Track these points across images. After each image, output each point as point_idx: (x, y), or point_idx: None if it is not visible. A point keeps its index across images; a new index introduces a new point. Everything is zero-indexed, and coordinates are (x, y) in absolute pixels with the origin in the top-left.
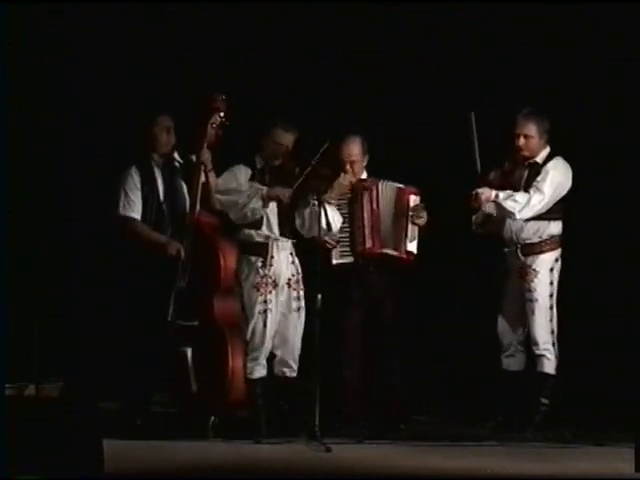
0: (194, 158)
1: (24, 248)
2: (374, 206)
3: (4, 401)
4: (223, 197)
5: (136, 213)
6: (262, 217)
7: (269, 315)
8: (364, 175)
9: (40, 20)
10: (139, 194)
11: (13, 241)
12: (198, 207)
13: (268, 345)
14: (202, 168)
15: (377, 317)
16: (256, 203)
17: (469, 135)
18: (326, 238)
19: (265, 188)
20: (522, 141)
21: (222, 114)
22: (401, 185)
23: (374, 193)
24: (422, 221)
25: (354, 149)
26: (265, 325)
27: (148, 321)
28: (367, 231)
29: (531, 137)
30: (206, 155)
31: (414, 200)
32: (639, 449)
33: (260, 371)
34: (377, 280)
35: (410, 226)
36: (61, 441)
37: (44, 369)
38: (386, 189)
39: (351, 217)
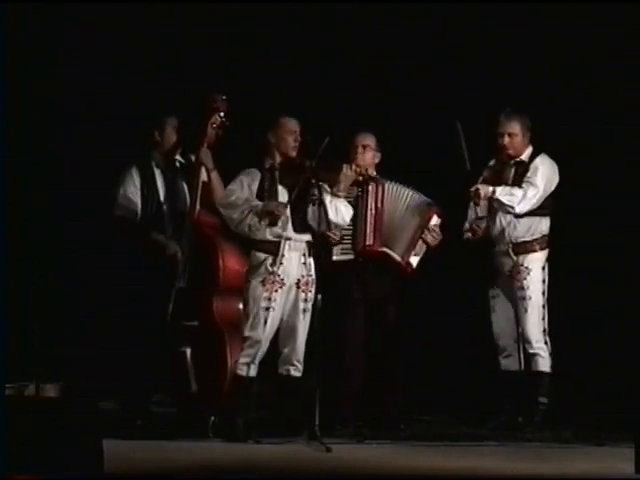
0: (194, 158)
1: (24, 248)
2: (378, 204)
3: (4, 401)
4: (223, 211)
5: (135, 213)
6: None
7: (271, 313)
8: (373, 173)
9: (41, 20)
10: (139, 194)
11: (13, 241)
12: (198, 207)
13: (265, 345)
14: (202, 168)
15: (378, 317)
16: (252, 220)
17: (457, 143)
18: (329, 233)
19: (260, 204)
20: (507, 140)
21: (222, 114)
22: (430, 200)
23: (380, 192)
24: (435, 242)
25: (367, 136)
26: (266, 323)
27: (148, 321)
28: (369, 229)
29: (515, 135)
30: (206, 155)
31: (435, 220)
32: (639, 449)
33: (250, 371)
34: (377, 279)
35: (420, 241)
36: (61, 441)
37: (44, 369)
38: (402, 193)
39: (355, 214)
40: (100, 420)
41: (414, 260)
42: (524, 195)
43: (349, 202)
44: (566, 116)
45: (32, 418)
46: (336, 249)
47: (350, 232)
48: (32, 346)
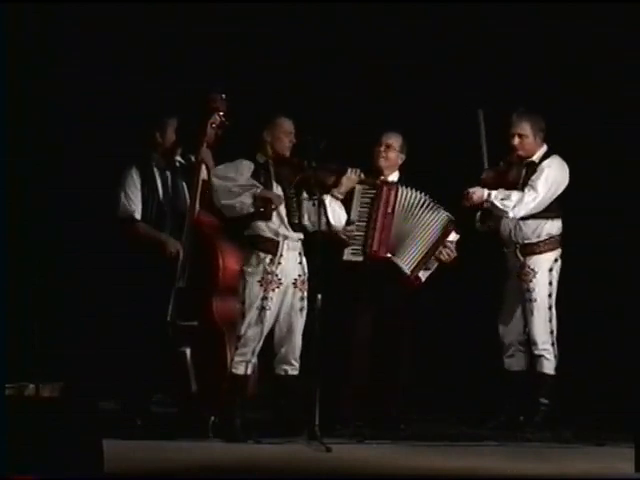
0: (194, 158)
1: (24, 248)
2: (389, 210)
3: (4, 401)
4: (218, 182)
5: (136, 213)
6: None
7: (267, 313)
8: (395, 176)
9: (41, 20)
10: (139, 194)
11: (13, 241)
12: (198, 207)
13: (259, 344)
14: (202, 167)
15: (383, 318)
16: (246, 198)
17: (477, 133)
18: (340, 233)
19: (260, 187)
20: (517, 140)
21: (222, 114)
22: (447, 214)
23: (392, 198)
24: (449, 260)
25: (392, 136)
26: (262, 322)
27: (148, 321)
28: (376, 234)
29: (525, 136)
30: (206, 154)
31: (453, 237)
32: (639, 449)
33: (247, 369)
34: (386, 282)
35: (434, 257)
36: (61, 441)
37: (44, 369)
38: (418, 201)
39: (368, 217)
40: (100, 420)
41: (423, 275)
42: (520, 200)
43: (365, 204)
44: (566, 116)
45: (32, 418)
46: (347, 250)
47: (362, 234)
48: (32, 346)
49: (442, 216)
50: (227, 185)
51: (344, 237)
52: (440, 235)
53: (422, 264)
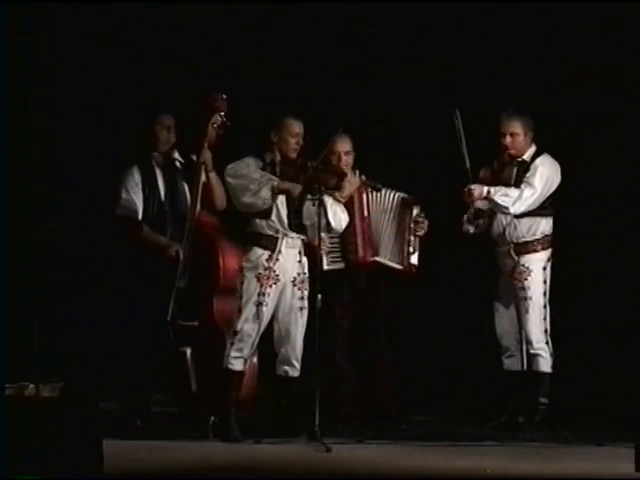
0: (195, 158)
1: (24, 248)
2: (365, 214)
3: (4, 401)
4: (234, 181)
5: (137, 213)
6: (271, 207)
7: (264, 309)
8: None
9: (40, 20)
10: (140, 194)
11: (13, 241)
12: (198, 207)
13: (256, 340)
14: (203, 168)
15: (371, 319)
16: (266, 193)
17: (456, 132)
18: (321, 243)
19: (277, 180)
20: (508, 139)
21: (223, 114)
22: (404, 195)
23: (364, 200)
24: (423, 232)
25: (345, 142)
26: (259, 317)
27: (148, 321)
28: (359, 240)
29: (517, 135)
30: (207, 155)
31: (417, 211)
32: (639, 449)
33: (241, 365)
34: (370, 282)
35: (412, 238)
36: (61, 441)
37: (44, 369)
38: (384, 197)
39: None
40: (100, 420)
41: (414, 259)
42: (519, 196)
43: None
44: (566, 116)
45: (32, 418)
46: (325, 259)
47: (338, 241)
48: (32, 346)
49: (399, 199)
50: (243, 183)
51: (322, 248)
52: (408, 219)
53: (407, 251)
